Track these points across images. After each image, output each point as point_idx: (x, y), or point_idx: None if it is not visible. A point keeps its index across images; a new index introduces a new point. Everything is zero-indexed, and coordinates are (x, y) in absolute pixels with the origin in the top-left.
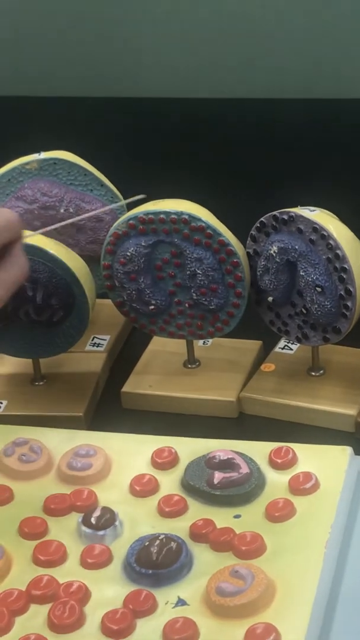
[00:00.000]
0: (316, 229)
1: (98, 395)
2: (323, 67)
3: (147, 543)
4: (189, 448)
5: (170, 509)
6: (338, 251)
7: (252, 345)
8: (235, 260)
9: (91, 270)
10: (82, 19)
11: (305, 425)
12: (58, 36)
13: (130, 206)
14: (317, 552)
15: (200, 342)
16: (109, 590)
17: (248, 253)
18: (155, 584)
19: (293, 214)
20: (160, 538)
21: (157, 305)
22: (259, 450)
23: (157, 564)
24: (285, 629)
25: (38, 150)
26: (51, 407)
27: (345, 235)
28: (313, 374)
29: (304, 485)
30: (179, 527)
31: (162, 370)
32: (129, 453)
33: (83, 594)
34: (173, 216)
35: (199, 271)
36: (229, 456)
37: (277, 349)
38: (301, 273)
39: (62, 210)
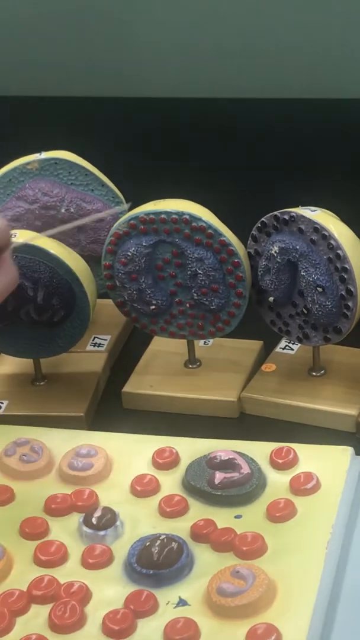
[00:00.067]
0: (317, 229)
1: (99, 395)
2: (323, 67)
3: (148, 543)
4: (190, 448)
5: (171, 509)
6: (339, 251)
7: (253, 345)
8: (236, 260)
9: (92, 270)
10: (82, 18)
11: (306, 426)
12: (58, 36)
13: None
14: (318, 552)
15: (201, 342)
16: (110, 590)
17: (249, 253)
18: (156, 584)
19: (294, 214)
20: (161, 538)
21: (158, 305)
22: (260, 451)
23: (158, 564)
24: (286, 630)
25: (39, 150)
26: (52, 407)
27: (346, 235)
28: (314, 374)
29: (305, 485)
30: (180, 527)
31: (163, 370)
32: (130, 453)
33: (84, 594)
34: (174, 216)
35: (199, 271)
36: (230, 456)
37: (278, 349)
38: (302, 273)
39: (63, 210)
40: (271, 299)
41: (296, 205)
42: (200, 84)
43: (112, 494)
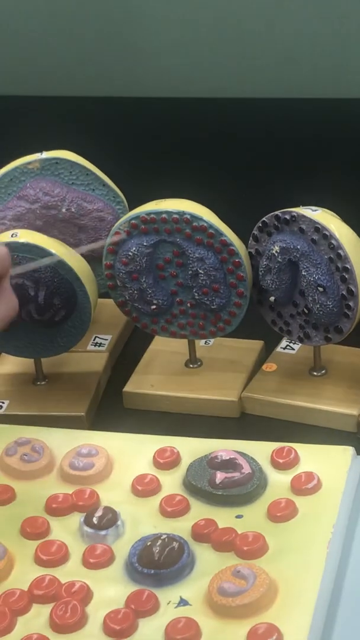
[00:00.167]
0: (318, 228)
1: (100, 395)
2: (323, 67)
3: (149, 543)
4: (191, 448)
5: (172, 509)
6: (340, 251)
7: (254, 345)
8: (237, 260)
9: (93, 270)
10: (83, 18)
11: (307, 425)
12: (58, 36)
13: (131, 207)
14: (319, 552)
15: (202, 341)
16: (110, 590)
17: (250, 253)
18: (157, 584)
19: (295, 214)
20: (162, 538)
21: (159, 305)
22: (260, 450)
23: (159, 563)
24: (287, 629)
25: (40, 150)
26: (53, 407)
27: (347, 235)
28: (315, 373)
29: (306, 485)
30: (181, 527)
31: (163, 370)
32: (130, 453)
33: (85, 594)
34: (175, 216)
35: (200, 271)
36: (231, 456)
37: (278, 349)
38: (303, 273)
39: (64, 210)
40: (272, 298)
41: (297, 205)
42: (200, 84)
43: (113, 494)
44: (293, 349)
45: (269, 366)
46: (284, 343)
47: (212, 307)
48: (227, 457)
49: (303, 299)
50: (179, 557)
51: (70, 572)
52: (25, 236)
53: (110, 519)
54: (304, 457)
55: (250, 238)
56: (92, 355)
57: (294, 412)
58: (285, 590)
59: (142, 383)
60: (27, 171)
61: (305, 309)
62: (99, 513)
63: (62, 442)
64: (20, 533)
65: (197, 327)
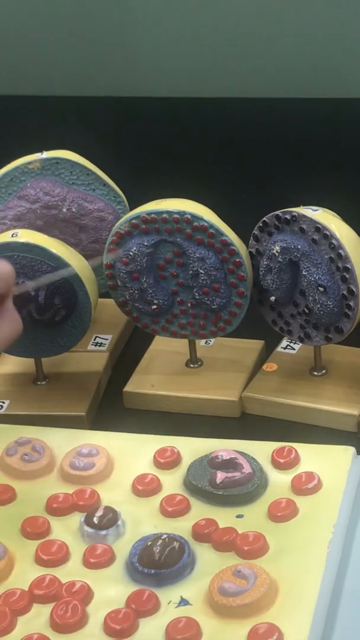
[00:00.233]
0: (319, 228)
1: (100, 394)
2: (323, 67)
3: (149, 543)
4: (192, 448)
5: (173, 509)
6: (340, 251)
7: (255, 345)
8: (237, 259)
9: (93, 270)
10: (83, 19)
11: (307, 425)
12: (58, 36)
13: (132, 207)
14: (320, 552)
15: (203, 341)
16: (111, 590)
17: (250, 252)
18: (158, 583)
19: (296, 214)
20: (162, 538)
21: (160, 305)
22: (261, 450)
23: (159, 563)
24: (288, 629)
25: (40, 150)
26: (53, 407)
27: (347, 235)
28: (315, 373)
29: (306, 485)
30: (182, 526)
31: (164, 369)
32: (131, 453)
33: (85, 594)
34: (175, 216)
35: (201, 271)
36: (232, 456)
37: (279, 349)
38: (304, 273)
39: (64, 210)
40: (273, 298)
41: (297, 205)
42: (200, 84)
43: (114, 494)
44: (293, 348)
45: (270, 366)
46: (284, 343)
47: (213, 307)
48: (228, 457)
49: (303, 299)
50: (179, 557)
51: (71, 572)
52: (26, 236)
53: (110, 518)
54: (305, 457)
55: (251, 238)
56: (92, 355)
57: (295, 412)
58: (285, 590)
59: (143, 383)
60: (27, 171)
61: (305, 309)
62: (99, 513)
63: (63, 441)
64: (20, 533)
65: (197, 327)
